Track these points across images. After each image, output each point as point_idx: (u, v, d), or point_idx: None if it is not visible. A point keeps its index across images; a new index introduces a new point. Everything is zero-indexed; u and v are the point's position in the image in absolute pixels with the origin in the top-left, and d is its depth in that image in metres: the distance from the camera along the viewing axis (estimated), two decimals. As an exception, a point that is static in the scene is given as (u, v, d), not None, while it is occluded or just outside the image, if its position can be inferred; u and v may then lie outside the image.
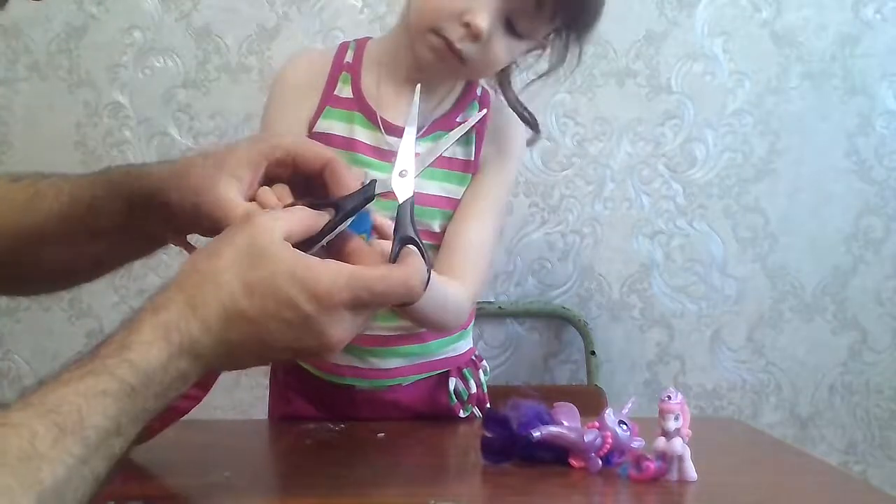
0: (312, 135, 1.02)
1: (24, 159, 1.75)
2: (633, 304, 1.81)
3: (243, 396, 1.74)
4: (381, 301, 0.61)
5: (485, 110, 0.99)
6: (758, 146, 1.80)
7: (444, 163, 1.01)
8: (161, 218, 0.73)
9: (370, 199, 0.67)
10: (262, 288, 0.58)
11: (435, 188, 1.01)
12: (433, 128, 1.01)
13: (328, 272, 0.60)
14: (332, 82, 1.03)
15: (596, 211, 1.79)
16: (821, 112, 1.80)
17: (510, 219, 1.77)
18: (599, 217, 1.80)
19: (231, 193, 0.69)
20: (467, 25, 0.90)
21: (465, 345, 1.11)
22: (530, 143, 1.12)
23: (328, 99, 1.02)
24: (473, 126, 0.97)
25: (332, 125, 1.02)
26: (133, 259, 0.83)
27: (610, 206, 1.79)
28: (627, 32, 1.76)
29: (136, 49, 1.74)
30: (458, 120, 1.03)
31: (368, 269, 0.63)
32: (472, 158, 1.02)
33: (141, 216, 0.74)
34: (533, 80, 1.07)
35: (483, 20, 0.89)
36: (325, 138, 1.00)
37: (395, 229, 0.66)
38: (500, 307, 1.77)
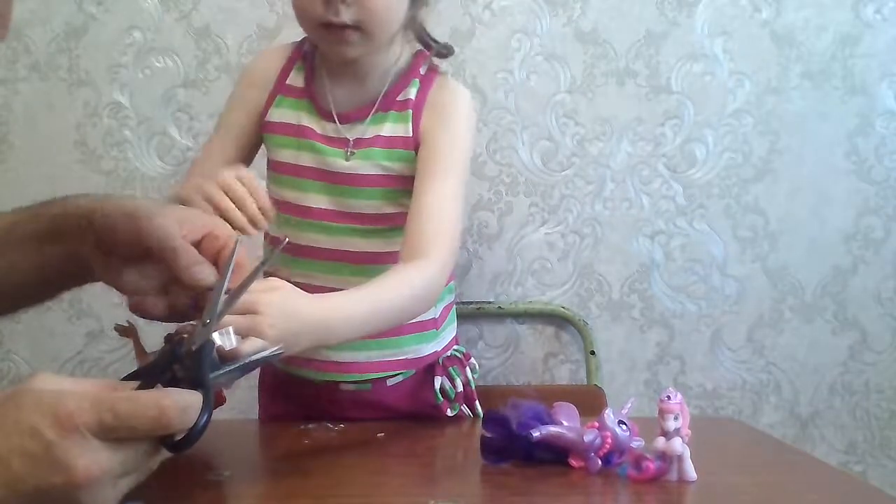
0: (265, 124, 1.08)
1: (24, 159, 1.75)
2: (633, 304, 1.81)
3: (242, 396, 1.73)
4: (129, 424, 0.55)
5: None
6: (758, 146, 1.80)
7: (383, 142, 1.06)
8: (92, 234, 0.76)
9: (173, 358, 0.64)
10: (8, 423, 0.54)
11: (372, 167, 1.05)
12: (370, 109, 1.06)
13: (74, 396, 0.55)
14: (286, 71, 1.09)
15: (596, 211, 1.79)
16: (821, 112, 1.80)
17: (510, 219, 1.77)
18: (599, 217, 1.79)
19: (173, 227, 0.73)
20: None
21: (430, 347, 1.12)
22: (441, 55, 1.13)
23: (280, 88, 1.08)
24: (410, 104, 1.06)
25: (283, 114, 1.07)
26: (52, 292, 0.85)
27: (610, 206, 1.79)
28: (627, 32, 1.76)
29: (136, 49, 1.74)
30: (398, 99, 1.07)
31: (117, 391, 0.59)
32: (411, 135, 1.06)
33: (70, 235, 0.77)
34: None
35: None
36: (276, 127, 1.07)
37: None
38: (500, 307, 1.77)
